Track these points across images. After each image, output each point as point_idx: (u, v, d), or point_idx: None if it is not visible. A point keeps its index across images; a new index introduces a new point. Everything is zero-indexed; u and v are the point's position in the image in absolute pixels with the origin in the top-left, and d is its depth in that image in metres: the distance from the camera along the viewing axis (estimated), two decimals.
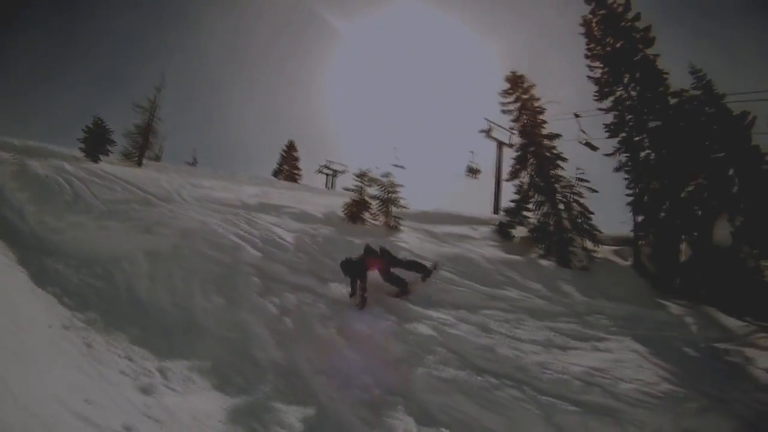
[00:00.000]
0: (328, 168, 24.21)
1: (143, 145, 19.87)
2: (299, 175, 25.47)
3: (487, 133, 21.14)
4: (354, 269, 9.65)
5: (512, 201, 15.63)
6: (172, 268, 10.17)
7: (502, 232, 14.44)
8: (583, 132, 18.08)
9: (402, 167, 21.96)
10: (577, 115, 18.05)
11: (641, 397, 8.00)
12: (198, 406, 6.61)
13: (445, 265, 11.02)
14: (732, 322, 12.34)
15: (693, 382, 9.06)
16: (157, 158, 21.96)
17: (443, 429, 6.81)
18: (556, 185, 14.85)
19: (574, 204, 14.96)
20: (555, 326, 9.69)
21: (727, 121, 18.41)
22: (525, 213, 15.06)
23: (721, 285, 13.62)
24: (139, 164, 19.33)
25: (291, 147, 26.15)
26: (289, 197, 15.57)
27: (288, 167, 25.57)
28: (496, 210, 20.18)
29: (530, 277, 11.70)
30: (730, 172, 18.88)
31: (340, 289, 9.86)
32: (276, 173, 24.99)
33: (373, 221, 13.72)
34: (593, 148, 17.77)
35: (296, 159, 26.02)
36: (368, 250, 10.07)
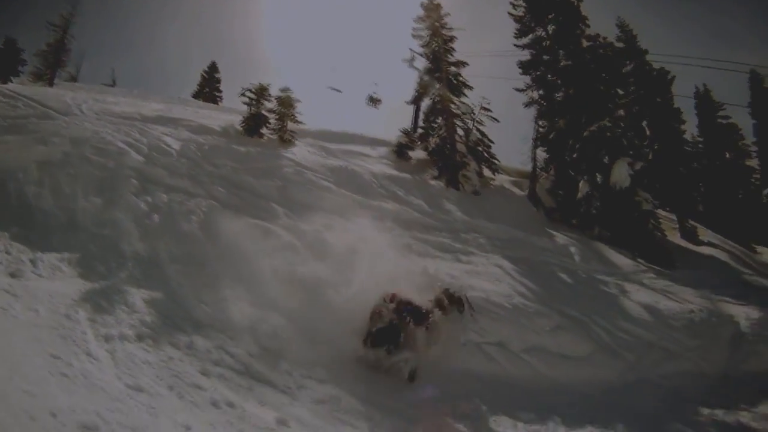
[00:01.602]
0: (252, 91, 23.02)
1: (55, 64, 19.03)
2: (220, 98, 24.75)
3: (410, 62, 21.02)
4: None
5: (421, 126, 15.83)
6: (59, 174, 10.12)
7: (400, 152, 14.65)
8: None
9: (339, 91, 21.65)
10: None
11: (487, 305, 8.46)
12: (58, 289, 6.79)
13: (328, 177, 11.20)
14: (622, 260, 12.99)
15: (555, 303, 9.54)
16: (73, 79, 21.06)
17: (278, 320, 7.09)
18: (457, 110, 15.05)
19: (474, 131, 15.26)
20: (421, 237, 10.06)
21: (647, 77, 19.08)
22: (427, 136, 15.24)
23: (615, 224, 14.26)
24: (51, 84, 18.58)
25: (213, 68, 25.26)
26: (193, 113, 15.33)
27: (209, 89, 24.79)
28: None
29: (414, 193, 12.01)
30: (644, 123, 19.73)
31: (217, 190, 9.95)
32: (196, 95, 24.29)
33: (270, 136, 13.69)
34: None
35: (218, 81, 25.26)
36: None
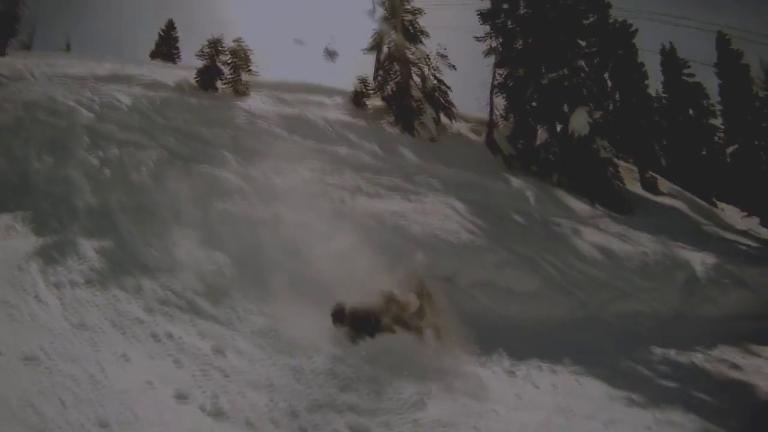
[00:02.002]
0: (206, 45, 22.42)
1: (7, 33, 18.39)
2: (178, 57, 24.10)
3: (372, 13, 20.65)
4: None
5: (379, 76, 15.72)
6: (12, 138, 10.05)
7: (356, 101, 14.55)
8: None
9: (302, 43, 21.23)
10: None
11: (432, 241, 8.65)
12: (12, 246, 6.95)
13: (281, 125, 11.20)
14: (579, 206, 13.16)
15: (504, 241, 9.66)
16: (27, 47, 20.35)
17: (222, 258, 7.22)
18: (413, 57, 14.97)
19: (431, 78, 15.23)
20: (372, 179, 10.17)
21: (609, 29, 18.99)
22: (384, 84, 15.16)
23: (574, 172, 14.41)
24: (2, 54, 18.00)
25: (170, 27, 24.46)
26: (148, 71, 15.00)
27: (166, 48, 24.13)
28: None
29: (368, 139, 12.06)
30: (605, 74, 19.79)
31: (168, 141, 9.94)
32: (153, 55, 23.66)
33: (225, 89, 13.55)
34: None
35: (175, 40, 24.60)
36: None
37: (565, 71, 15.05)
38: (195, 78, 13.48)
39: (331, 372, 5.06)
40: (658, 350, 8.16)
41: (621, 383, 6.28)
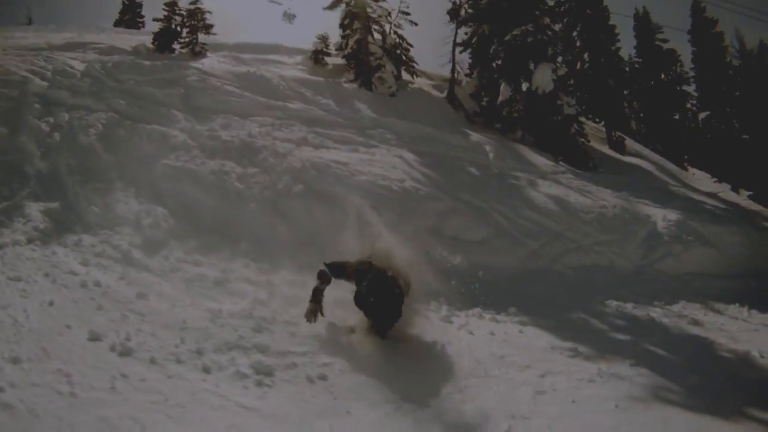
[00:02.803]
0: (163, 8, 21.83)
1: None
2: (142, 24, 23.57)
3: None
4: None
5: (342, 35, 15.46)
6: None
7: (316, 59, 14.37)
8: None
9: (279, 3, 20.74)
10: None
11: (373, 188, 8.59)
12: None
13: (234, 82, 11.05)
14: (541, 161, 13.00)
15: (452, 190, 9.58)
16: None
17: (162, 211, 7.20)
18: (373, 14, 14.72)
19: (392, 34, 15.05)
20: (323, 131, 10.10)
21: None
22: (345, 42, 14.93)
23: (538, 128, 14.30)
24: None
25: None
26: (107, 37, 14.73)
27: (130, 16, 23.61)
28: None
29: (323, 94, 11.95)
30: (574, 33, 19.56)
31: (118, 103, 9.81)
32: (117, 23, 23.11)
33: (182, 50, 13.34)
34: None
35: (139, 6, 24.06)
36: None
37: (530, 27, 14.83)
38: (152, 41, 13.25)
39: (249, 315, 5.08)
40: (613, 303, 8.02)
41: (567, 335, 6.03)
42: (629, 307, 7.99)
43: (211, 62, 12.05)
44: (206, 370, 3.95)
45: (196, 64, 11.37)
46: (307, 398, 3.86)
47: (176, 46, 13.40)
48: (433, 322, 6.08)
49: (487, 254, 8.75)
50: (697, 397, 5.12)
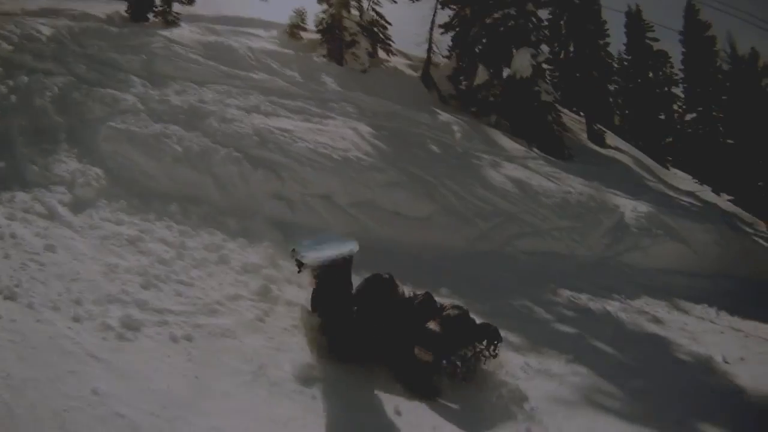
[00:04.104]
0: None
1: None
2: None
3: None
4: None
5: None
6: None
7: (291, 32, 14.18)
8: None
9: None
10: None
11: (316, 158, 8.40)
12: None
13: (199, 51, 10.89)
14: (513, 146, 12.65)
15: (401, 163, 9.29)
16: None
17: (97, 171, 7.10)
18: None
19: (370, 10, 14.86)
20: (279, 101, 9.95)
21: None
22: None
23: (515, 114, 14.06)
24: None
25: None
26: (84, 5, 14.48)
27: None
28: None
29: (290, 67, 11.76)
30: (561, 22, 19.33)
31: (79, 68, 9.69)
32: None
33: (155, 20, 13.16)
34: None
35: None
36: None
37: (512, 11, 14.57)
38: (126, 9, 13.07)
39: (144, 272, 4.96)
40: (566, 293, 7.64)
41: (500, 322, 5.16)
42: (584, 298, 7.63)
43: (181, 32, 11.86)
44: (76, 319, 3.88)
45: (165, 32, 11.18)
46: (161, 357, 3.77)
47: (151, 15, 13.18)
48: None
49: (430, 231, 8.51)
50: (637, 403, 4.86)
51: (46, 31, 11.12)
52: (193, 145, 7.78)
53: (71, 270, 4.67)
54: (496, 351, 4.60)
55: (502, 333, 4.79)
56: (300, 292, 5.51)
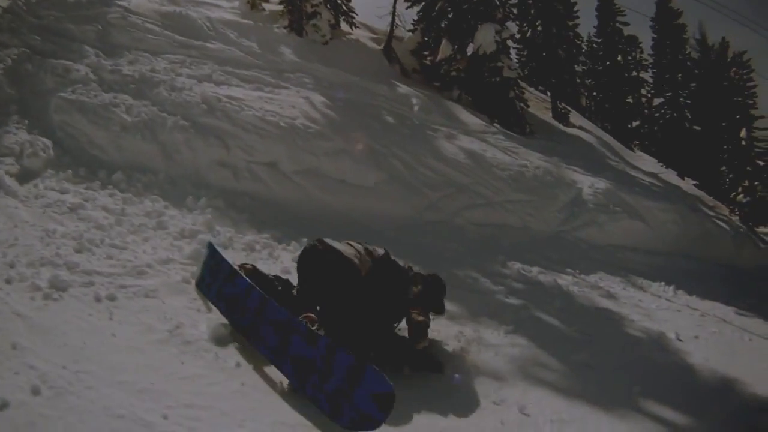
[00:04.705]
0: None
1: None
2: None
3: None
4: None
5: None
6: None
7: (253, 3, 14.03)
8: None
9: None
10: None
11: (263, 125, 8.47)
12: None
13: (156, 21, 10.84)
14: (473, 120, 12.62)
15: (348, 132, 9.34)
16: None
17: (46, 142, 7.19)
18: None
19: None
20: (233, 71, 9.97)
21: None
22: None
23: (477, 89, 14.16)
24: None
25: None
26: None
27: None
28: None
29: (248, 37, 11.71)
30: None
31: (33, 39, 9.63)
32: None
33: None
34: None
35: None
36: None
37: None
38: None
39: (79, 237, 5.10)
40: (516, 265, 7.58)
41: None
42: (534, 271, 7.60)
43: (139, 1, 11.79)
44: (8, 281, 4.05)
45: (123, 2, 11.08)
46: (83, 315, 3.92)
47: None
48: (281, 261, 6.08)
49: (377, 200, 8.58)
50: (577, 377, 4.76)
51: (2, 2, 11.01)
52: (142, 114, 7.86)
53: (10, 236, 4.82)
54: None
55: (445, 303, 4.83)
56: (235, 255, 5.80)
